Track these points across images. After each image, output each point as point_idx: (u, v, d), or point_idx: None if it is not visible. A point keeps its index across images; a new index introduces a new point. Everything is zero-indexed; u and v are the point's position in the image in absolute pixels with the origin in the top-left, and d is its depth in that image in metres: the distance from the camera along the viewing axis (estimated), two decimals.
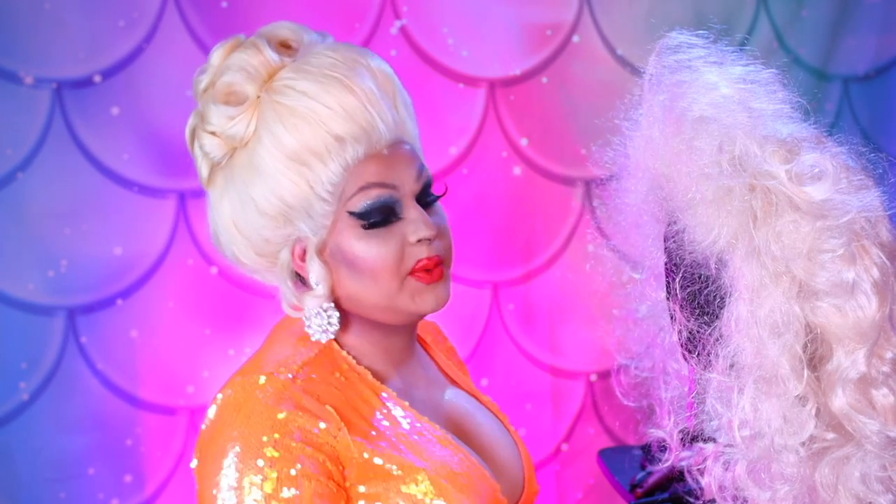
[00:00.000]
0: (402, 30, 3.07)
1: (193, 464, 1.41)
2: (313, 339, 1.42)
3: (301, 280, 1.45)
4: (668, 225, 1.23)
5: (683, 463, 1.25)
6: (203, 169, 1.46)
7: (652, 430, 1.32)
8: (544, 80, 3.19)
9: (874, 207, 1.14)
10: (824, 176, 1.12)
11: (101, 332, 2.87)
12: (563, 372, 3.24)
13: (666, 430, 1.26)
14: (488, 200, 3.16)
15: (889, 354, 1.12)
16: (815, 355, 1.13)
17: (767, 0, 3.34)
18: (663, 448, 1.28)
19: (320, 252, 1.40)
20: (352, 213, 1.38)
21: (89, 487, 2.89)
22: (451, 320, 3.16)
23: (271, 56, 1.42)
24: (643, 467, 2.73)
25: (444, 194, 1.46)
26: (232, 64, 1.43)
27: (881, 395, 1.11)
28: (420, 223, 1.39)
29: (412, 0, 3.07)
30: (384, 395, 1.43)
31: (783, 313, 1.10)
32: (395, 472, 1.36)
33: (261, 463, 1.30)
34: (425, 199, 1.44)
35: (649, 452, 2.78)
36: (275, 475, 1.30)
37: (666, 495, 2.53)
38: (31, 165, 2.79)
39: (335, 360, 1.43)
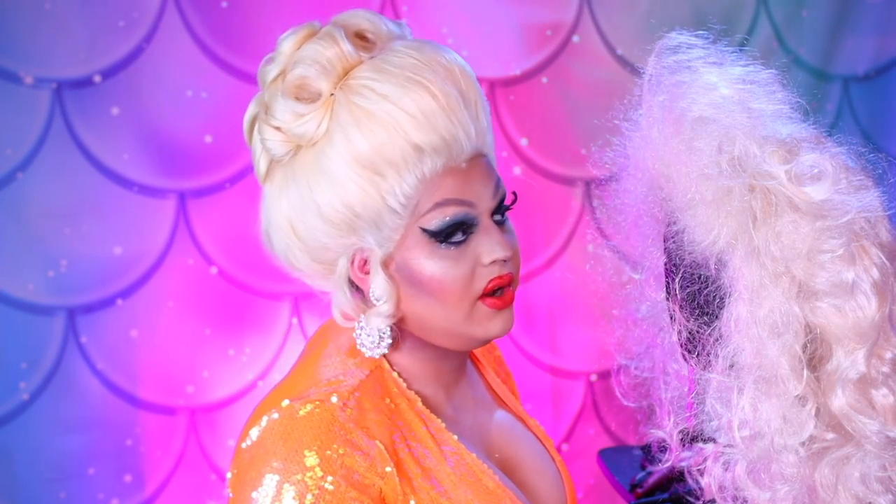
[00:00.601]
0: None
1: (229, 475, 1.35)
2: (364, 354, 1.35)
3: (355, 288, 1.36)
4: (668, 225, 1.23)
5: (683, 463, 1.25)
6: (262, 163, 1.35)
7: (652, 431, 1.32)
8: (544, 80, 3.19)
9: (874, 208, 1.14)
10: (824, 176, 1.12)
11: (101, 332, 2.87)
12: (563, 372, 3.24)
13: (666, 430, 1.26)
14: None
15: (889, 355, 1.12)
16: (814, 355, 1.13)
17: (767, 0, 3.34)
18: (663, 448, 1.28)
19: (385, 266, 1.31)
20: (425, 230, 1.29)
21: (89, 487, 2.89)
22: None
23: (348, 49, 1.30)
24: (643, 467, 2.73)
25: (514, 203, 1.39)
26: (305, 56, 1.31)
27: (881, 396, 1.11)
28: (496, 244, 1.32)
29: (412, 0, 3.07)
30: (433, 428, 1.36)
31: (783, 313, 1.10)
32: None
33: (297, 499, 1.23)
34: (500, 213, 1.37)
35: (649, 452, 2.78)
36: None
37: (666, 495, 2.53)
38: (31, 165, 2.79)
39: (386, 384, 1.35)
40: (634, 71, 1.28)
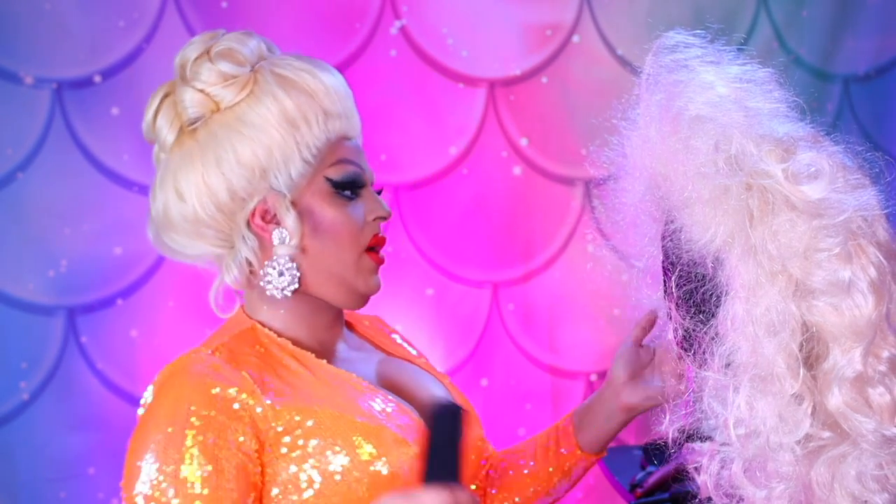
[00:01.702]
0: (402, 30, 3.07)
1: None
2: (276, 296, 1.53)
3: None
4: (666, 224, 1.23)
5: (683, 462, 1.25)
6: (169, 135, 1.54)
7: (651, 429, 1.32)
8: (544, 80, 3.19)
9: (871, 206, 1.14)
10: (821, 175, 1.12)
11: (101, 331, 2.87)
12: (563, 372, 3.24)
13: (663, 428, 1.26)
14: (488, 200, 3.16)
15: (885, 353, 1.12)
16: (811, 354, 1.13)
17: (767, 0, 3.34)
18: (662, 447, 1.28)
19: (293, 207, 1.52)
20: (328, 179, 1.53)
21: (89, 487, 2.89)
22: (451, 320, 3.17)
23: (261, 41, 1.58)
24: (643, 467, 2.74)
25: (380, 192, 1.61)
26: (230, 37, 1.56)
27: (877, 394, 1.11)
28: (379, 204, 1.57)
29: (412, 0, 3.07)
30: (305, 361, 1.53)
31: (779, 312, 1.10)
32: (308, 424, 1.44)
33: (185, 431, 1.39)
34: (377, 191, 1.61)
35: (649, 452, 2.78)
36: (194, 445, 1.38)
37: (666, 495, 2.53)
38: (31, 165, 2.79)
39: (257, 337, 1.54)
40: (634, 71, 1.28)
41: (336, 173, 1.53)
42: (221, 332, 1.56)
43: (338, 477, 1.43)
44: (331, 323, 1.60)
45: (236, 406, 1.42)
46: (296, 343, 1.55)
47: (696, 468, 1.18)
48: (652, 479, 2.60)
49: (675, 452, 1.24)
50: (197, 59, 1.54)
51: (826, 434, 1.11)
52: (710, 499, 1.18)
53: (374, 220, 1.56)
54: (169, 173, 1.53)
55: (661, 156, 1.20)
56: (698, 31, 1.25)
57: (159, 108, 1.55)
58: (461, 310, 3.17)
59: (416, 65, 3.09)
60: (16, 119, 2.78)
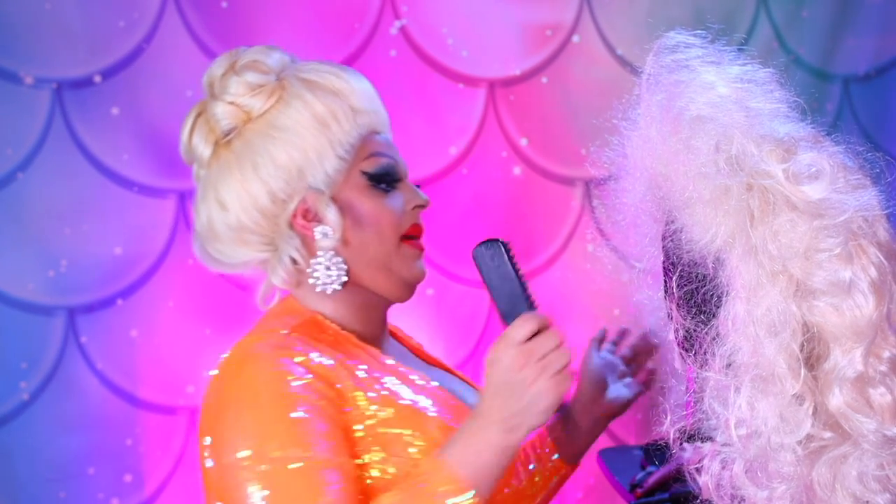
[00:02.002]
0: (402, 30, 3.07)
1: (207, 441, 1.47)
2: (327, 291, 1.56)
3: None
4: (666, 224, 1.23)
5: (683, 462, 1.25)
6: (206, 151, 1.58)
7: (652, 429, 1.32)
8: (544, 80, 3.19)
9: (871, 206, 1.14)
10: (821, 175, 1.12)
11: (101, 332, 2.87)
12: None
13: (663, 428, 1.25)
14: (488, 200, 3.16)
15: (886, 353, 1.12)
16: (812, 354, 1.13)
17: (767, 0, 3.34)
18: (662, 447, 1.28)
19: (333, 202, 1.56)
20: (364, 173, 1.57)
21: (89, 487, 2.89)
22: (452, 320, 3.17)
23: (283, 54, 1.62)
24: (643, 467, 2.73)
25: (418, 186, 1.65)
26: (252, 50, 1.61)
27: (878, 394, 1.11)
28: (416, 193, 1.62)
29: (412, 0, 3.07)
30: (370, 352, 1.56)
31: (780, 312, 1.10)
32: (380, 414, 1.47)
33: (272, 400, 1.40)
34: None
35: (649, 452, 2.78)
36: (286, 408, 1.39)
37: (666, 495, 2.53)
38: (31, 165, 2.79)
39: (321, 326, 1.56)
40: (634, 71, 1.28)
41: (370, 166, 1.57)
42: (278, 322, 1.55)
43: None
44: (382, 320, 1.64)
45: (324, 370, 1.44)
46: (358, 336, 1.58)
47: (696, 469, 1.18)
48: (652, 479, 2.60)
49: (675, 453, 1.24)
50: (223, 74, 1.59)
51: (827, 434, 1.11)
52: (710, 499, 1.18)
53: (413, 209, 1.61)
54: (209, 186, 1.57)
55: (662, 156, 1.20)
56: (699, 32, 1.25)
57: (193, 128, 1.60)
58: (461, 310, 3.16)
59: (415, 65, 3.09)
60: (16, 119, 2.78)
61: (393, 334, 1.73)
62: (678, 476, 1.25)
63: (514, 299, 1.42)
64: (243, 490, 1.37)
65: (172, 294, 2.92)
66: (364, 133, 1.58)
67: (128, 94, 2.85)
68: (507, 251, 1.43)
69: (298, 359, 1.43)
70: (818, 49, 3.39)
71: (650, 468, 2.66)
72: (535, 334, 1.39)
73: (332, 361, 1.47)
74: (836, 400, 1.10)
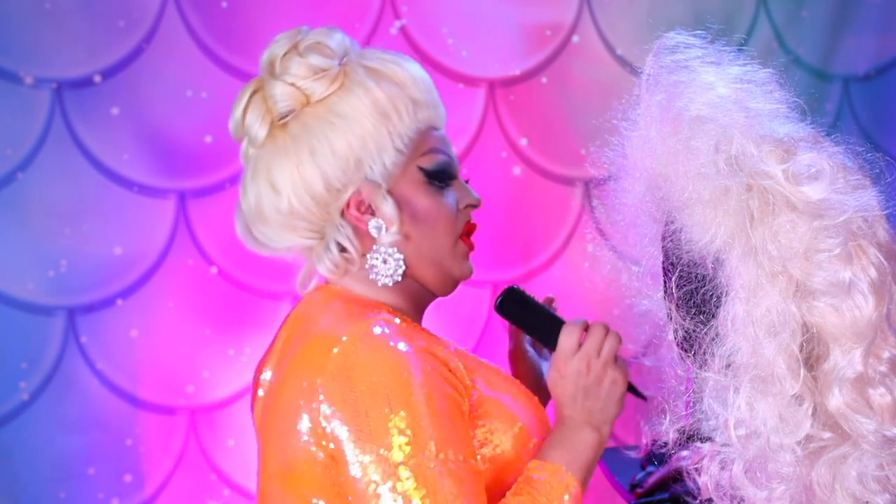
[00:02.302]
0: (402, 30, 3.07)
1: (331, 412, 1.43)
2: (383, 284, 1.55)
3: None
4: (666, 224, 1.23)
5: (683, 462, 1.25)
6: (261, 130, 1.55)
7: (651, 428, 1.32)
8: (544, 80, 3.19)
9: (871, 207, 1.14)
10: (821, 175, 1.12)
11: (101, 332, 2.88)
12: None
13: (663, 429, 1.26)
14: (488, 200, 3.14)
15: (886, 354, 1.12)
16: (811, 355, 1.13)
17: (767, 0, 3.34)
18: (662, 447, 1.28)
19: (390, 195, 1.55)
20: (421, 168, 1.56)
21: (89, 487, 2.89)
22: (452, 320, 3.17)
23: (345, 36, 1.60)
24: (643, 467, 2.73)
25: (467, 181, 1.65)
26: (315, 32, 1.58)
27: (878, 395, 1.11)
28: (469, 192, 1.61)
29: (412, 0, 3.07)
30: (454, 346, 1.57)
31: (780, 313, 1.10)
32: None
33: (407, 390, 1.41)
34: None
35: (649, 452, 2.78)
36: (423, 395, 1.41)
37: (666, 495, 2.53)
38: (31, 165, 2.79)
39: (391, 315, 1.54)
40: (634, 71, 1.28)
41: (428, 163, 1.56)
42: (351, 310, 1.52)
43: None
44: (424, 312, 1.64)
45: (441, 355, 1.47)
46: None
47: (696, 469, 1.18)
48: (652, 479, 2.60)
49: (675, 453, 1.24)
50: (286, 54, 1.56)
51: (827, 435, 1.11)
52: (710, 500, 1.18)
53: (465, 207, 1.59)
54: (261, 167, 1.54)
55: (662, 156, 1.20)
56: (698, 32, 1.25)
57: (248, 104, 1.57)
58: (461, 310, 3.16)
59: None
60: (16, 119, 2.78)
61: None
62: (678, 476, 1.25)
63: (549, 324, 1.57)
64: (403, 485, 1.38)
65: (172, 294, 2.92)
66: (423, 127, 1.56)
67: (128, 94, 2.85)
68: (521, 291, 1.58)
69: (420, 343, 1.45)
70: (818, 49, 3.39)
71: (650, 468, 2.66)
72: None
73: (440, 347, 1.49)
74: (836, 400, 1.10)
